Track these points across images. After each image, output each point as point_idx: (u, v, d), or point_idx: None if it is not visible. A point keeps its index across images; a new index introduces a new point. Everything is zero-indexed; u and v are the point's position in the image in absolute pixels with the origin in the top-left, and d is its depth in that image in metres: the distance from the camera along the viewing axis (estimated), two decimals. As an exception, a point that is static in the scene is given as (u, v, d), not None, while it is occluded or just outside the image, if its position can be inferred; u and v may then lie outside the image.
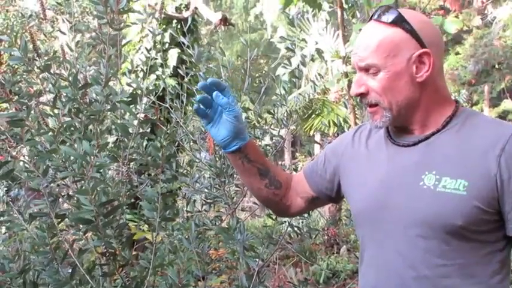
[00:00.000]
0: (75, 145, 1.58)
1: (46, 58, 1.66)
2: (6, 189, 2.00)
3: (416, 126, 1.28)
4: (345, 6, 4.90)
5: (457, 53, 14.84)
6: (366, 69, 1.24)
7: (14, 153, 1.83)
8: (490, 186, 1.16)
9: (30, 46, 1.67)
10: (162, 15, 5.16)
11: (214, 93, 1.34)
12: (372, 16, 1.28)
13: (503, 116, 15.44)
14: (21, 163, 1.81)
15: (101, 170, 1.68)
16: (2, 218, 1.85)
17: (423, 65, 1.23)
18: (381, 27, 1.23)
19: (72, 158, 1.54)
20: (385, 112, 1.25)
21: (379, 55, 1.22)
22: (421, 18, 1.26)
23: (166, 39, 5.35)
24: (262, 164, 1.46)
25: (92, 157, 1.48)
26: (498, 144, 1.17)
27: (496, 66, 14.67)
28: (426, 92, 1.25)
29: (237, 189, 2.50)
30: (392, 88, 1.23)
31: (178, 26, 5.34)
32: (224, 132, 1.38)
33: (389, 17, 1.23)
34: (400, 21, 1.22)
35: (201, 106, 1.37)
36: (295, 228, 2.31)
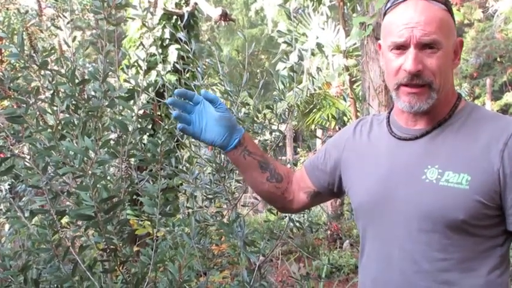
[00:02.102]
0: (76, 141, 1.58)
1: (44, 54, 1.65)
2: (9, 186, 2.01)
3: (433, 114, 1.26)
4: (345, 0, 4.89)
5: (459, 46, 14.78)
6: (424, 46, 1.19)
7: (16, 151, 1.83)
8: (492, 181, 1.15)
9: (28, 43, 1.67)
10: (162, 11, 5.16)
11: (203, 91, 1.35)
12: None
13: (505, 109, 15.41)
14: (22, 161, 1.81)
15: (101, 166, 1.68)
16: (7, 214, 1.86)
17: (456, 53, 1.25)
18: (436, 6, 1.21)
19: (72, 154, 1.53)
20: (433, 93, 1.21)
21: (443, 33, 1.19)
22: None
23: (167, 35, 5.34)
24: (261, 156, 1.46)
25: (94, 153, 1.48)
26: (501, 138, 1.16)
27: (498, 59, 14.66)
28: (452, 81, 1.27)
29: (238, 184, 2.50)
30: (445, 69, 1.21)
31: (178, 22, 5.33)
32: (220, 130, 1.37)
33: None
34: (449, 7, 1.23)
35: (181, 124, 1.35)
36: (297, 223, 2.31)
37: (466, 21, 13.84)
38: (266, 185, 1.48)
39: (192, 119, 1.37)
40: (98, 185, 1.48)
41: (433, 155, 1.22)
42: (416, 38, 1.18)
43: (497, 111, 14.22)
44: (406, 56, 1.19)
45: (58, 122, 1.57)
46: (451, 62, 1.24)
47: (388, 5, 1.27)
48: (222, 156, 2.28)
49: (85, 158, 1.46)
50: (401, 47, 1.20)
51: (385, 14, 1.28)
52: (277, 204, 1.59)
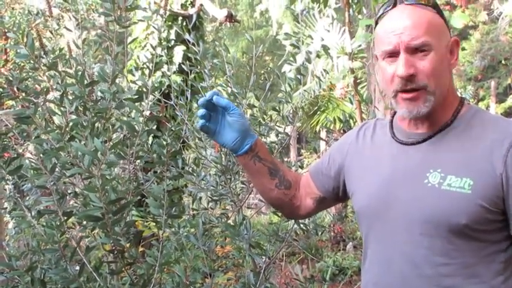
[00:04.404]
0: (84, 142, 1.58)
1: (52, 56, 1.66)
2: (13, 185, 2.01)
3: (434, 117, 1.25)
4: (351, 2, 4.88)
5: (463, 49, 14.77)
6: (415, 49, 1.19)
7: (20, 151, 1.84)
8: (495, 185, 1.15)
9: (37, 43, 1.67)
10: (168, 12, 5.16)
11: (215, 97, 1.34)
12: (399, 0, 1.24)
13: (509, 112, 15.36)
14: (27, 160, 1.82)
15: (109, 168, 1.68)
16: (13, 213, 1.86)
17: (452, 53, 1.24)
18: (423, 9, 1.21)
19: (80, 155, 1.54)
20: (429, 96, 1.21)
21: (433, 34, 1.19)
22: None
23: (172, 36, 5.34)
24: (271, 162, 1.46)
25: (103, 154, 1.48)
26: (504, 143, 1.16)
27: (503, 61, 14.61)
28: (450, 82, 1.26)
29: (243, 186, 2.50)
30: (440, 71, 1.21)
31: (184, 23, 5.33)
32: (233, 134, 1.38)
33: (428, 0, 1.22)
34: (437, 7, 1.23)
35: (203, 120, 1.37)
36: (301, 225, 2.31)
37: (470, 24, 13.80)
38: (275, 192, 1.48)
39: (211, 116, 1.38)
40: (106, 187, 1.48)
41: (435, 159, 1.22)
42: (404, 43, 1.19)
43: (502, 114, 14.19)
44: (397, 62, 1.20)
45: (66, 123, 1.57)
46: (447, 63, 1.24)
47: (379, 14, 1.29)
48: (228, 157, 2.28)
49: (94, 160, 1.46)
50: (393, 54, 1.21)
51: (376, 23, 1.29)
52: (284, 210, 1.59)
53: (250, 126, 1.45)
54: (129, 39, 1.69)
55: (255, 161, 1.43)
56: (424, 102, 1.21)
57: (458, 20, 3.64)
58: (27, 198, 2.03)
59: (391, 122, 1.36)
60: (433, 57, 1.19)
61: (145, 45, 5.23)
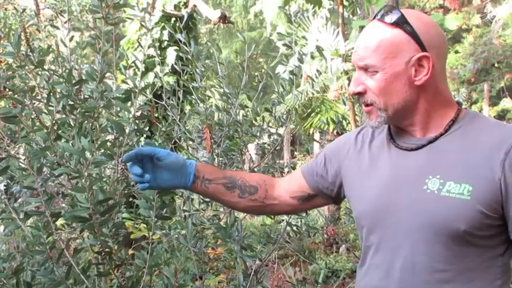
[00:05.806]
0: (72, 142, 1.56)
1: (40, 54, 1.63)
2: (5, 187, 1.98)
3: (416, 128, 1.27)
4: (345, 3, 4.89)
5: (457, 52, 14.84)
6: (364, 69, 1.24)
7: (12, 152, 1.81)
8: (494, 191, 1.15)
9: (25, 42, 1.65)
10: (161, 13, 5.14)
11: (137, 149, 1.35)
12: (375, 15, 1.27)
13: (502, 114, 15.45)
14: (16, 162, 1.79)
15: (97, 168, 1.66)
16: (2, 216, 1.84)
17: (422, 68, 1.21)
18: (382, 27, 1.22)
19: (68, 154, 1.51)
20: (380, 112, 1.25)
21: (378, 56, 1.21)
22: (425, 21, 1.23)
23: (165, 37, 5.33)
24: (223, 178, 1.46)
25: (90, 154, 1.46)
26: (502, 148, 1.15)
27: (496, 64, 14.69)
28: (425, 95, 1.24)
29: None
30: (389, 89, 1.22)
31: (177, 24, 5.32)
32: (172, 173, 1.39)
33: (392, 17, 1.21)
34: (401, 23, 1.20)
35: (144, 184, 1.37)
36: (294, 227, 2.29)
37: (464, 27, 13.87)
38: (241, 202, 1.48)
39: (143, 174, 1.36)
40: (93, 187, 1.46)
41: (434, 165, 1.22)
42: (355, 62, 1.26)
43: (495, 116, 14.26)
44: None
45: (54, 122, 1.55)
46: (407, 80, 1.22)
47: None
48: (220, 158, 2.27)
49: (81, 159, 1.44)
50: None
51: None
52: (264, 212, 1.60)
53: (182, 157, 1.45)
54: (124, 39, 1.66)
55: (205, 185, 1.44)
56: (376, 117, 1.26)
57: (451, 21, 3.65)
58: (18, 200, 2.00)
59: (389, 127, 1.35)
60: (380, 77, 1.22)
61: (138, 46, 5.22)
